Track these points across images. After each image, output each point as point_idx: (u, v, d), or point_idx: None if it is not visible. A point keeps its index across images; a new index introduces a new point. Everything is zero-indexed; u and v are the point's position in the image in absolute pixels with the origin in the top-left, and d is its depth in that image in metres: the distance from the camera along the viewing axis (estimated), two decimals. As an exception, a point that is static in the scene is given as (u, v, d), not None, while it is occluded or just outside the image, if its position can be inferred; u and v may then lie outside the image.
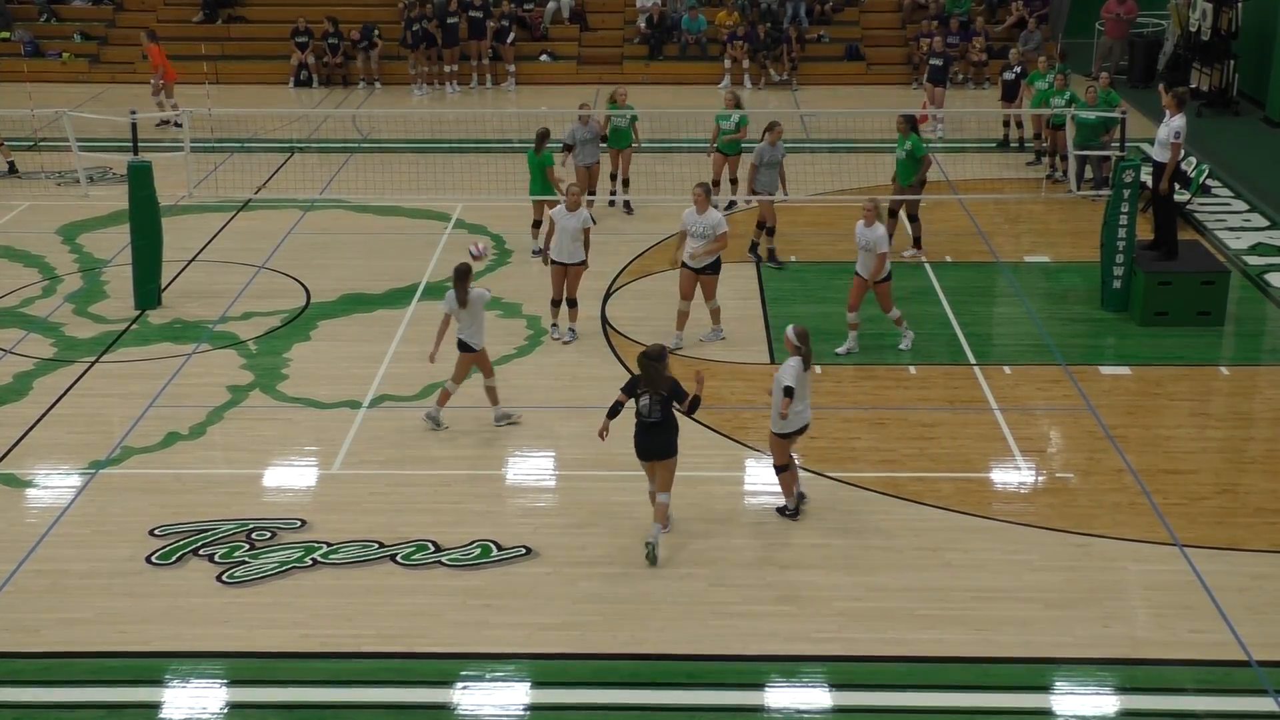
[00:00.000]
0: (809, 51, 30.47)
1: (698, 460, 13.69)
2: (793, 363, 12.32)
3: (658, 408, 11.88)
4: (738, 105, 20.84)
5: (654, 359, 11.88)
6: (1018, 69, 24.23)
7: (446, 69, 29.44)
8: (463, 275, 14.04)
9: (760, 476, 13.56)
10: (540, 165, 18.87)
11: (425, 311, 17.54)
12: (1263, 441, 14.39)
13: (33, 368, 15.95)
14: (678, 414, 12.09)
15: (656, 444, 11.99)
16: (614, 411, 12.11)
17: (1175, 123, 17.15)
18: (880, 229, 15.64)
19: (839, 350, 16.06)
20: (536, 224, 19.20)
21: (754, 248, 19.11)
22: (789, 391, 12.23)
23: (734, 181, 21.04)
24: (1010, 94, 24.31)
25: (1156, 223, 17.63)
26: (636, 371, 12.23)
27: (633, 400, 12.01)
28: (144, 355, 16.29)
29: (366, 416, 14.79)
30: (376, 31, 29.59)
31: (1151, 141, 17.66)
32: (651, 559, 11.92)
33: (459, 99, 29.03)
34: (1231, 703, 10.41)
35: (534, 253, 19.28)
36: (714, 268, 16.10)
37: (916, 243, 19.34)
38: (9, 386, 15.46)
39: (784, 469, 12.66)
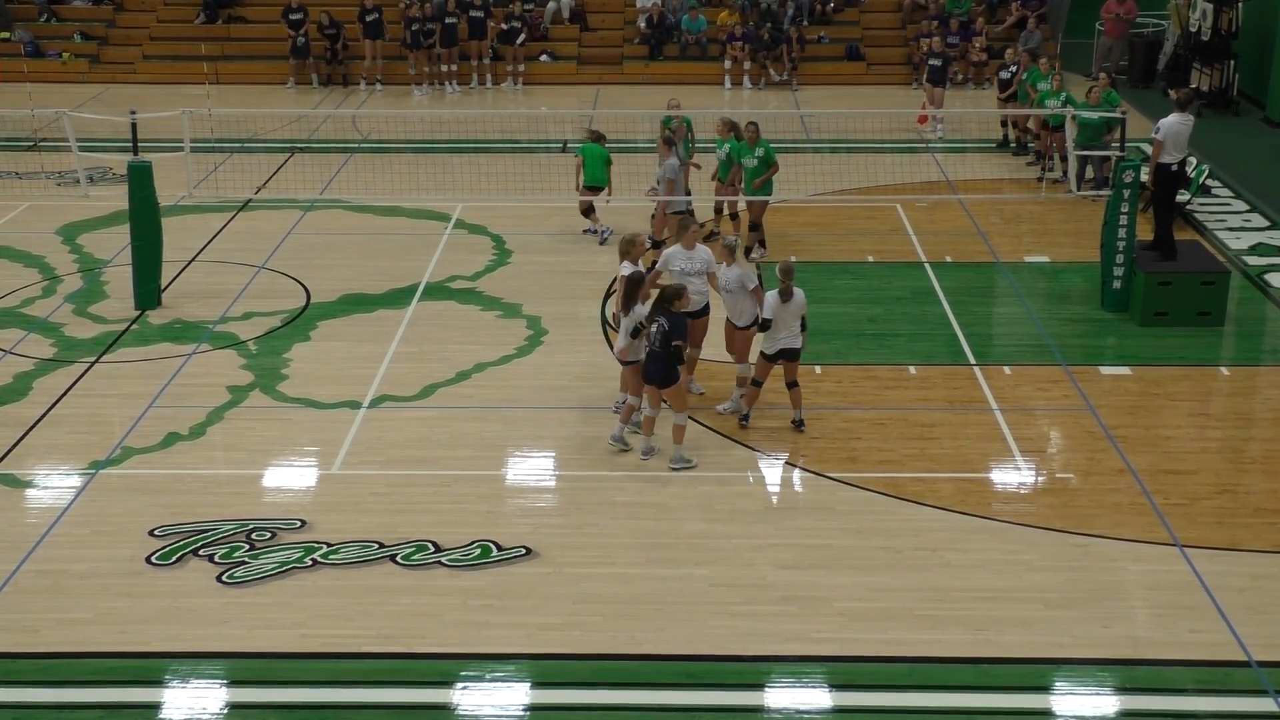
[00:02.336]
0: (809, 51, 30.47)
1: (698, 460, 13.71)
2: (770, 296, 13.88)
3: (658, 339, 13.21)
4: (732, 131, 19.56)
5: (666, 297, 13.30)
6: (1013, 68, 24.21)
7: (444, 69, 29.42)
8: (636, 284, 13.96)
9: (760, 476, 13.56)
10: (604, 157, 19.42)
11: (425, 312, 17.55)
12: (1263, 442, 14.40)
13: (33, 368, 15.95)
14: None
15: (656, 371, 13.35)
16: (635, 332, 13.52)
17: (1165, 120, 17.20)
18: (738, 268, 14.39)
19: (719, 409, 14.66)
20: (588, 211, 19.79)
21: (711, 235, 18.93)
22: (765, 323, 13.96)
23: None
24: (1005, 90, 24.31)
25: (1155, 223, 17.65)
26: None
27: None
28: (144, 355, 16.29)
29: (366, 416, 14.80)
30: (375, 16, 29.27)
31: (1151, 142, 17.67)
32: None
33: (459, 99, 29.03)
34: (1231, 703, 10.40)
35: (587, 231, 20.01)
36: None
37: (762, 244, 19.03)
38: (9, 386, 15.46)
39: (756, 384, 14.33)
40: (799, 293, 14.00)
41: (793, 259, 13.81)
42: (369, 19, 28.93)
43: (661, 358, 13.31)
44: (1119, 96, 21.69)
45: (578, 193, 20.07)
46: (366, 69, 29.30)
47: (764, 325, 14.01)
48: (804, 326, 14.14)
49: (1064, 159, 21.86)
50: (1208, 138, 24.56)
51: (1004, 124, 24.90)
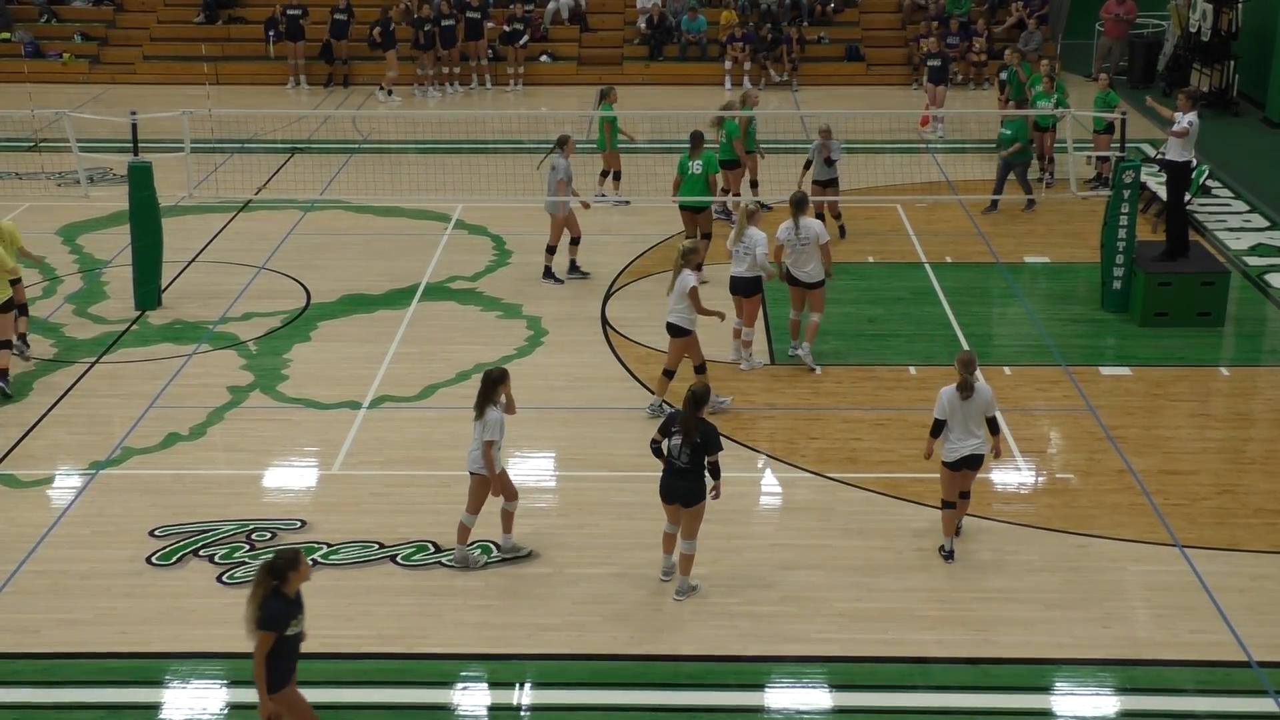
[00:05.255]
0: (809, 52, 30.48)
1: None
2: (945, 393, 11.72)
3: (686, 452, 11.19)
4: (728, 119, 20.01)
5: (696, 401, 11.19)
6: (1004, 74, 24.22)
7: (444, 70, 29.37)
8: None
9: (759, 476, 13.56)
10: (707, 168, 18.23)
11: (425, 312, 17.55)
12: (1263, 442, 14.40)
13: (33, 368, 15.95)
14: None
15: (681, 488, 11.28)
16: (656, 453, 11.44)
17: (1192, 115, 17.26)
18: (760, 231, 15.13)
19: (741, 366, 15.44)
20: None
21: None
22: (937, 426, 11.78)
23: (754, 184, 20.87)
24: (1004, 92, 24.32)
25: (1168, 224, 17.69)
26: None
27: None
28: (144, 356, 16.29)
29: (366, 417, 14.80)
30: (392, 26, 29.05)
31: (1151, 143, 17.71)
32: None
33: (459, 100, 29.01)
34: (1231, 703, 10.41)
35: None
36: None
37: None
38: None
39: (947, 504, 12.06)
40: (984, 388, 11.75)
41: (967, 348, 12.05)
42: (391, 28, 28.75)
43: (689, 474, 11.28)
44: (1118, 98, 21.68)
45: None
46: (389, 78, 28.89)
47: (936, 429, 11.87)
48: (995, 429, 11.81)
49: (1050, 160, 22.05)
50: (1208, 138, 24.46)
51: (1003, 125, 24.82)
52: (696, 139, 18.37)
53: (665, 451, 11.32)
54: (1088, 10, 30.66)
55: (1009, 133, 20.55)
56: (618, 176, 21.61)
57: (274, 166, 23.75)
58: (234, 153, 24.21)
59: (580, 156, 19.87)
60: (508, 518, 12.03)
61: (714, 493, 11.40)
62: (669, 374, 14.55)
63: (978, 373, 11.78)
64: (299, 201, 21.73)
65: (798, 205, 15.35)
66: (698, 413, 11.15)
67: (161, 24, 31.69)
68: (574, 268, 18.58)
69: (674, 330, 14.33)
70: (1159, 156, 18.31)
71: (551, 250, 18.41)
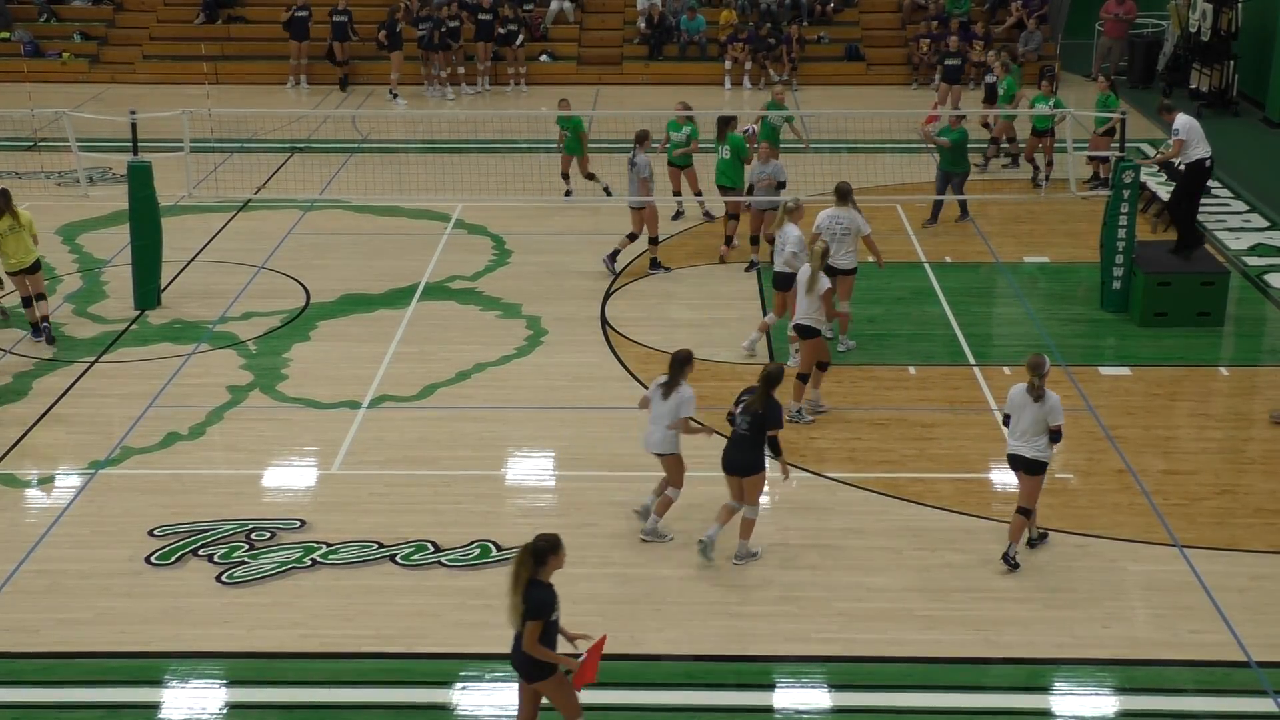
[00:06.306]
0: (809, 52, 30.48)
1: (697, 460, 13.69)
2: (1015, 390, 11.86)
3: (747, 420, 11.72)
4: (690, 119, 20.07)
5: (769, 378, 11.80)
6: (990, 78, 24.21)
7: (445, 72, 29.37)
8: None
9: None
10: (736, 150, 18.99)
11: (425, 312, 17.55)
12: (1262, 442, 14.39)
13: (32, 368, 15.95)
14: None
15: (739, 460, 11.80)
16: (729, 421, 12.03)
17: (1181, 118, 17.29)
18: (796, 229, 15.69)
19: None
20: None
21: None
22: (1005, 419, 12.04)
23: (678, 193, 20.55)
24: (991, 97, 24.29)
25: (1175, 219, 17.72)
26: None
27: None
28: (144, 355, 16.28)
29: (366, 416, 14.79)
30: (399, 28, 28.98)
31: (1152, 143, 17.72)
32: (705, 554, 11.97)
33: (470, 101, 28.98)
34: (1231, 703, 10.41)
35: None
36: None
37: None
38: (9, 386, 15.46)
39: (1023, 513, 11.97)
40: (1052, 398, 11.73)
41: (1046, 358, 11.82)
42: (397, 29, 28.72)
43: (747, 444, 11.81)
44: (1117, 100, 21.66)
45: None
46: (394, 81, 28.86)
47: (1005, 421, 12.10)
48: (1055, 438, 11.78)
49: (1034, 163, 22.13)
50: (1207, 138, 24.51)
51: (986, 126, 24.70)
52: (723, 122, 19.05)
53: (732, 421, 11.93)
54: (1088, 10, 30.65)
55: (946, 138, 20.21)
56: (567, 178, 21.69)
57: (274, 166, 23.74)
58: (233, 152, 24.20)
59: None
60: (667, 504, 12.38)
61: (783, 474, 12.02)
62: (812, 374, 14.62)
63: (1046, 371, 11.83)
64: (299, 201, 21.72)
65: (842, 195, 15.97)
66: (768, 389, 11.73)
67: (161, 23, 31.69)
68: (655, 264, 18.83)
69: (805, 331, 14.36)
70: (1159, 156, 18.29)
71: (654, 241, 18.70)
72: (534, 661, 9.03)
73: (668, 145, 20.10)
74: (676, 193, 20.51)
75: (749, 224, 18.48)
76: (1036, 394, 11.68)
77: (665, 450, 12.14)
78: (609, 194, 21.17)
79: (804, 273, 14.40)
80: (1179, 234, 17.56)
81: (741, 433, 11.77)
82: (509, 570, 8.98)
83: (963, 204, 20.62)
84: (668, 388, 12.02)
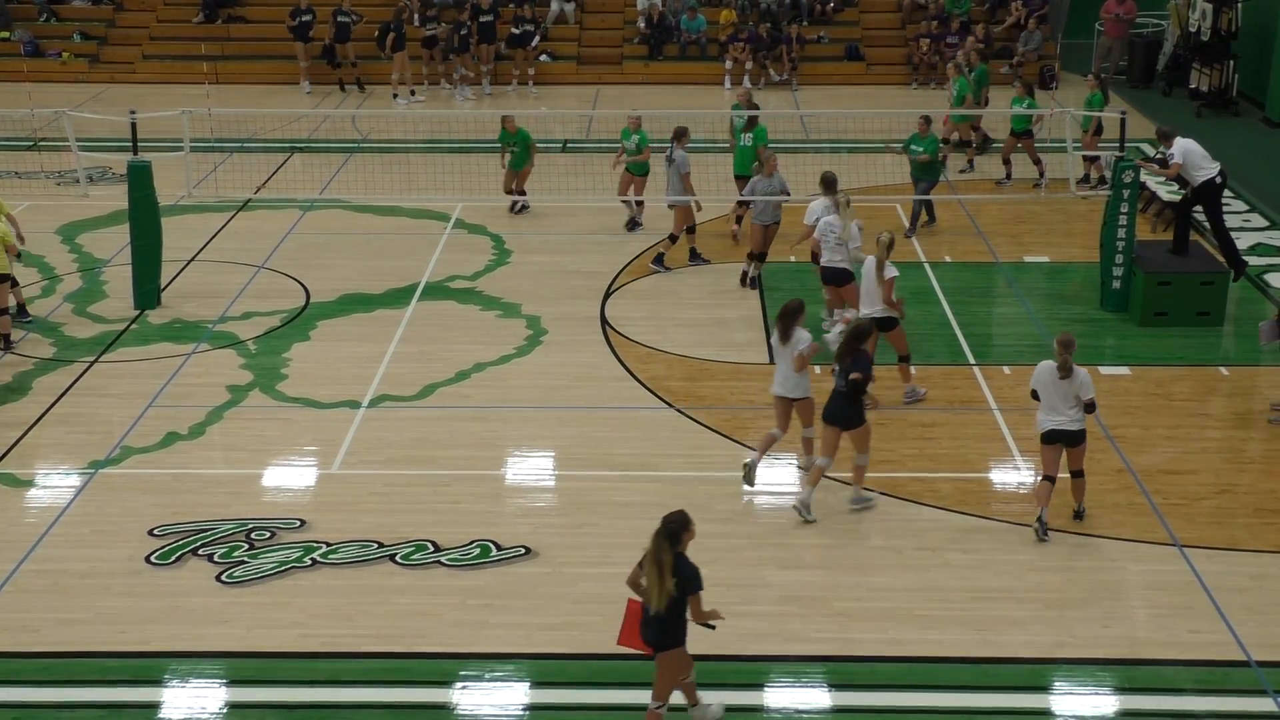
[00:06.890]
0: (809, 51, 30.47)
1: (698, 460, 13.72)
2: (1043, 366, 12.28)
3: (842, 377, 12.51)
4: (639, 127, 19.96)
5: (856, 333, 12.63)
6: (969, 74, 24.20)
7: (470, 73, 29.40)
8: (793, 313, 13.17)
9: (759, 476, 13.55)
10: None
11: (425, 312, 17.55)
12: (1262, 441, 14.39)
13: (33, 368, 15.95)
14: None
15: (839, 412, 12.59)
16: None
17: (1178, 142, 17.38)
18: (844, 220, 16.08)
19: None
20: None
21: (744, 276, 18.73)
22: (1033, 394, 12.41)
23: (640, 202, 20.38)
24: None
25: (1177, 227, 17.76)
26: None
27: None
28: (143, 355, 16.29)
29: (366, 416, 14.79)
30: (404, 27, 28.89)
31: (1152, 143, 17.71)
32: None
33: (480, 101, 28.99)
34: (1231, 703, 10.41)
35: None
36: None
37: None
38: (9, 386, 15.46)
39: (1048, 479, 12.43)
40: (1081, 373, 12.14)
41: (1066, 335, 12.14)
42: (404, 31, 28.65)
43: (845, 398, 12.54)
44: (1103, 98, 21.60)
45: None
46: (395, 81, 28.73)
47: (1034, 396, 12.44)
48: (1090, 408, 12.20)
49: (1008, 163, 22.25)
50: (1208, 138, 24.52)
51: (974, 129, 24.64)
52: (752, 119, 19.54)
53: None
54: (1088, 10, 30.64)
55: (920, 149, 20.10)
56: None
57: (273, 166, 23.75)
58: (233, 152, 24.21)
59: (578, 158, 19.84)
60: (809, 443, 13.21)
61: (873, 404, 12.79)
62: (905, 359, 15.00)
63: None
64: (299, 201, 21.72)
65: (828, 185, 16.45)
66: (854, 343, 12.54)
67: (161, 23, 31.69)
68: (695, 255, 19.10)
69: (885, 324, 14.57)
70: (1153, 168, 18.28)
71: (689, 232, 18.90)
72: (669, 631, 9.40)
73: (622, 155, 20.02)
74: (626, 200, 20.41)
75: (753, 240, 18.32)
76: (1065, 370, 12.10)
77: (797, 395, 12.94)
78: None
79: (870, 264, 14.66)
80: (1174, 237, 17.57)
81: (840, 389, 12.54)
82: (645, 559, 9.31)
83: (929, 207, 20.57)
84: (784, 336, 12.81)
